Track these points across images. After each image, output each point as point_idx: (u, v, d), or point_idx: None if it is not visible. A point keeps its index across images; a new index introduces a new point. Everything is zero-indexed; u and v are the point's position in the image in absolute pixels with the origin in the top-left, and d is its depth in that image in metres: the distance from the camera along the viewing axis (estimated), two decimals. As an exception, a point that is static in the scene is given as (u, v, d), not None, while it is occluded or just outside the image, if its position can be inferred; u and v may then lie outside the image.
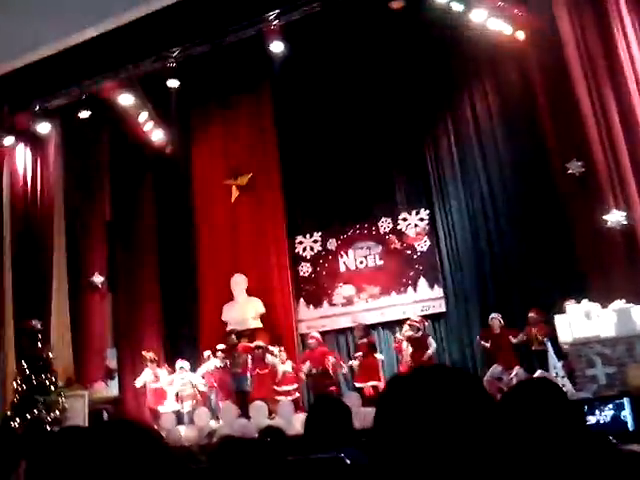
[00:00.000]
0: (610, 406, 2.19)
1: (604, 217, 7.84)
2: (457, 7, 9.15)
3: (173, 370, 10.38)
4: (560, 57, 8.60)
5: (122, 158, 12.03)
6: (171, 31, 9.52)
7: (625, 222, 7.66)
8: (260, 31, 9.61)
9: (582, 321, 6.96)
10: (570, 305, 7.46)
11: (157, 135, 11.72)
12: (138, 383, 10.14)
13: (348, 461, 2.79)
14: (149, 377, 10.16)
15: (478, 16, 9.33)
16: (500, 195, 9.98)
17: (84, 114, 10.61)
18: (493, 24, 9.46)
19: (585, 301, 7.24)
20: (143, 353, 10.41)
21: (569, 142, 8.69)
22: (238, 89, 11.88)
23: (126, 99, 10.74)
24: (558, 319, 7.32)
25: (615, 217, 7.73)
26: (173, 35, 9.66)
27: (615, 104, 7.90)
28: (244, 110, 12.07)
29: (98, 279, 10.87)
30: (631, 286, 7.43)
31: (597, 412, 2.15)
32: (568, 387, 6.80)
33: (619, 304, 6.88)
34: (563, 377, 7.00)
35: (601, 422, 2.11)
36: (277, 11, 9.42)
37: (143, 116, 11.22)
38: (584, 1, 8.33)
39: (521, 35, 9.50)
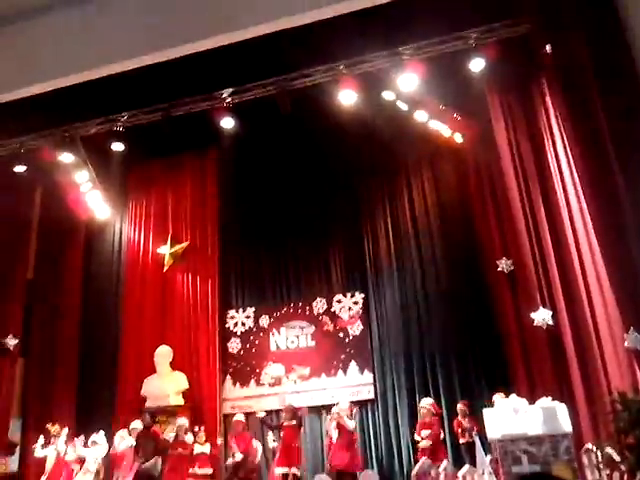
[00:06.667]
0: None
1: (531, 315, 8.18)
2: (402, 106, 9.67)
3: (82, 445, 9.63)
4: (494, 160, 9.21)
5: (52, 217, 11.57)
6: (123, 96, 9.46)
7: (551, 322, 8.00)
8: (212, 106, 9.73)
9: (510, 417, 7.04)
10: (498, 399, 7.58)
11: (92, 196, 11.42)
12: (39, 454, 9.31)
13: None
14: (51, 453, 9.37)
15: (420, 116, 9.92)
16: (432, 286, 10.27)
17: (19, 168, 10.24)
18: (434, 125, 10.06)
19: (513, 396, 7.38)
20: (47, 427, 9.63)
21: (500, 241, 9.16)
22: (182, 156, 11.92)
23: (64, 157, 10.50)
24: (486, 413, 7.38)
25: (542, 315, 8.07)
26: (124, 100, 9.61)
27: (543, 208, 8.42)
28: (187, 176, 12.09)
29: (12, 342, 10.12)
30: (556, 384, 7.70)
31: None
32: (494, 483, 6.79)
33: (545, 401, 7.05)
34: (490, 473, 7.00)
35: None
36: (231, 90, 9.58)
37: (80, 176, 10.97)
38: (518, 111, 9.02)
39: (459, 138, 10.15)
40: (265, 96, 9.48)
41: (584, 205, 7.93)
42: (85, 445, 9.50)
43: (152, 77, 9.16)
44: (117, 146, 10.33)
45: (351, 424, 8.64)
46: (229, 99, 9.55)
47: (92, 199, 11.45)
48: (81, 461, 9.47)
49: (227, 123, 9.81)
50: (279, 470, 8.79)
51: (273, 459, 9.34)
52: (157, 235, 11.88)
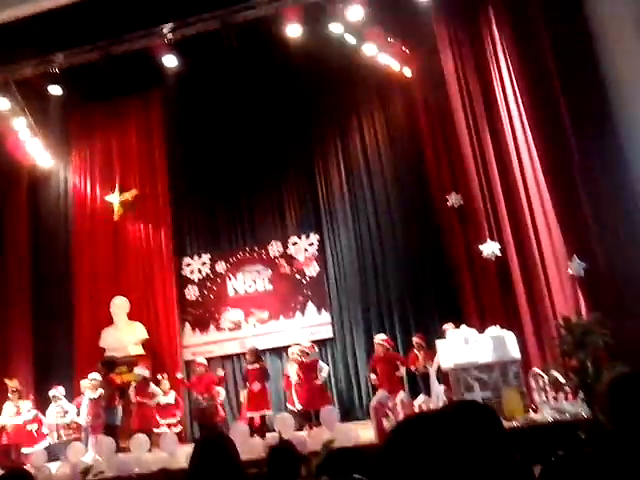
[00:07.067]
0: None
1: (480, 247, 8.35)
2: (350, 39, 9.41)
3: (40, 401, 9.56)
4: (443, 94, 9.10)
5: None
6: (58, 34, 8.93)
7: (499, 254, 8.19)
8: (153, 43, 9.30)
9: (461, 347, 7.29)
10: (450, 330, 7.82)
11: (33, 143, 10.92)
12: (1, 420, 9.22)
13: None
14: (11, 411, 9.25)
15: (369, 50, 9.67)
16: (385, 223, 10.33)
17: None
18: (382, 59, 9.85)
19: (464, 326, 7.63)
20: (6, 381, 9.52)
21: (450, 176, 9.20)
22: (125, 100, 11.40)
23: (1, 103, 9.98)
24: (439, 344, 7.62)
25: (489, 248, 8.24)
26: (60, 38, 9.07)
27: (491, 141, 8.46)
28: (132, 120, 11.62)
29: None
30: (505, 313, 7.98)
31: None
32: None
33: (494, 330, 7.30)
34: (445, 402, 7.28)
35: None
36: (172, 25, 9.16)
37: (17, 123, 10.45)
38: (465, 43, 8.88)
39: (408, 71, 9.98)
40: (209, 32, 9.12)
41: (530, 136, 8.01)
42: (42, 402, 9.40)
43: (88, 12, 8.67)
44: (55, 90, 9.85)
45: (322, 375, 8.85)
46: (170, 35, 9.15)
47: (33, 146, 10.96)
48: (38, 420, 9.31)
49: (170, 62, 9.43)
50: (249, 414, 8.76)
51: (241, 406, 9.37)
52: (104, 183, 11.50)
